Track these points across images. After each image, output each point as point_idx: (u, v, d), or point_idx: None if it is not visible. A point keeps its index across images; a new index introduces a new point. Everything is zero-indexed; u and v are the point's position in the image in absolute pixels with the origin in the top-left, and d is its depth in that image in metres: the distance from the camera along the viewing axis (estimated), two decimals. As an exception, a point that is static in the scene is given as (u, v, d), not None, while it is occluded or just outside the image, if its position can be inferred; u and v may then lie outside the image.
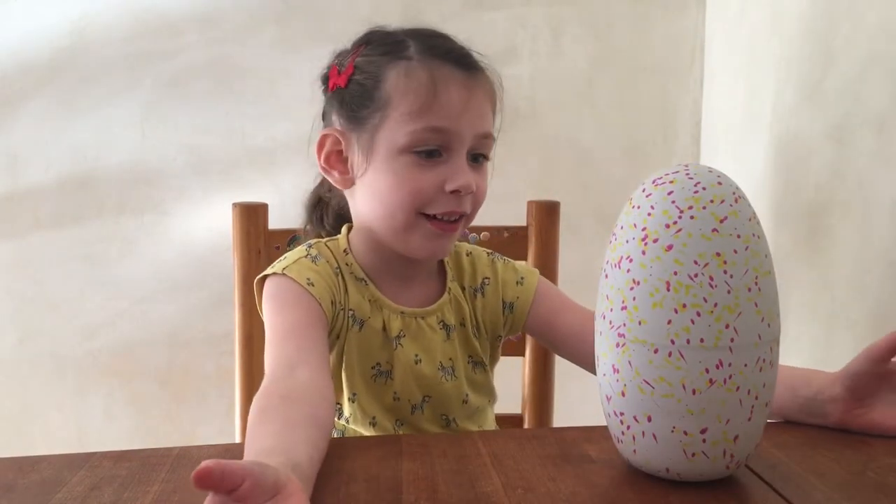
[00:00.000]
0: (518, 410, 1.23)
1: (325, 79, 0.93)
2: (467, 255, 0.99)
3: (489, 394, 0.99)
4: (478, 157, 0.88)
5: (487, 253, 1.00)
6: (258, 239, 1.10)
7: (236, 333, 1.10)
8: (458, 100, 0.84)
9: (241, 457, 0.72)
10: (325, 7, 1.69)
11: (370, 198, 0.88)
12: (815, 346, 1.31)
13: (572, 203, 1.62)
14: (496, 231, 1.21)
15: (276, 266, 0.87)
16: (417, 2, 1.68)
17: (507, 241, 1.21)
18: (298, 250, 0.90)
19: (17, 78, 1.67)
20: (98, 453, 0.72)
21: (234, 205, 1.11)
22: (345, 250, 0.92)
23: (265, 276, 0.87)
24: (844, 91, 1.24)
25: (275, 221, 1.12)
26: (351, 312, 0.89)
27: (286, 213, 1.11)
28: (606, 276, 0.67)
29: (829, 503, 0.64)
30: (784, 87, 1.41)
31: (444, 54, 0.86)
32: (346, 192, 0.92)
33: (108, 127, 1.69)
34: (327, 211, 0.99)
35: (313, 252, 0.90)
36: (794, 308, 1.35)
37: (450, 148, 0.85)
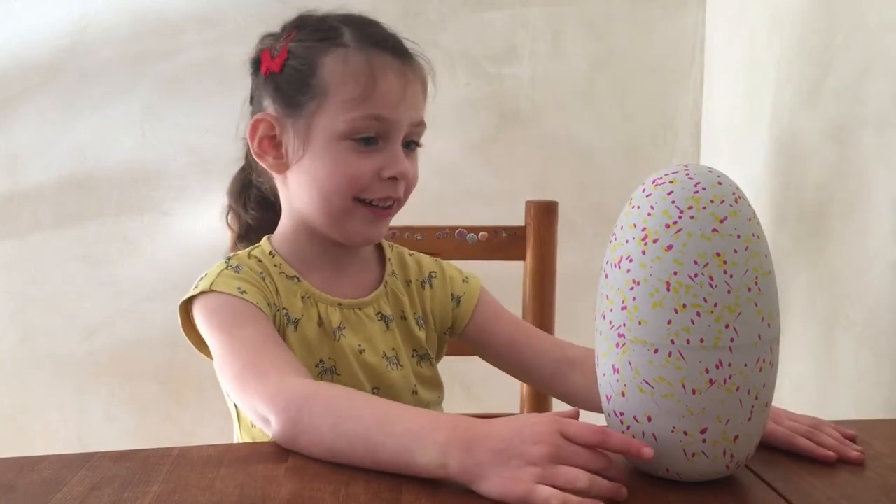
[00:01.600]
0: (517, 410, 1.23)
1: (257, 62, 0.94)
2: (410, 255, 1.01)
3: (438, 389, 0.99)
4: (410, 144, 0.90)
5: (432, 258, 1.03)
6: (258, 239, 1.10)
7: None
8: (396, 88, 0.86)
9: (240, 456, 0.72)
10: (324, 7, 1.68)
11: (306, 184, 0.88)
12: (815, 346, 1.31)
13: (572, 203, 1.62)
14: (494, 231, 1.21)
15: (201, 285, 0.86)
16: (417, 2, 1.68)
17: (506, 242, 1.21)
18: (217, 266, 0.89)
19: (17, 78, 1.67)
20: (98, 453, 0.72)
21: (234, 205, 1.10)
22: (270, 253, 0.92)
23: (190, 299, 0.86)
24: (844, 91, 1.24)
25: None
26: (285, 312, 0.89)
27: (286, 213, 1.11)
28: (606, 276, 0.67)
29: (828, 503, 0.64)
30: (784, 87, 1.41)
31: (381, 42, 0.88)
32: (278, 180, 0.92)
33: (108, 127, 1.69)
34: (250, 196, 1.00)
35: (233, 263, 0.89)
36: (794, 308, 1.35)
37: (387, 136, 0.87)
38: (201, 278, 0.88)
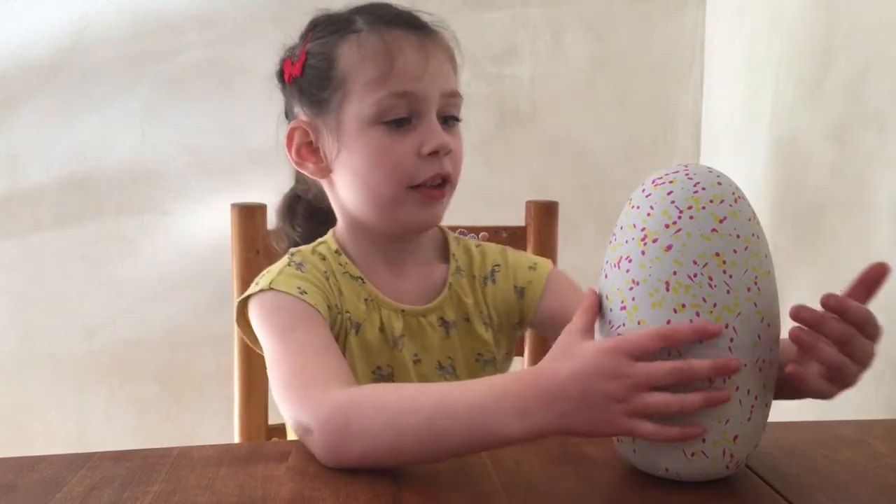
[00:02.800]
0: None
1: (281, 73, 0.92)
2: (476, 246, 0.97)
3: None
4: (448, 119, 0.87)
5: (498, 246, 0.99)
6: (257, 240, 1.10)
7: (236, 333, 1.10)
8: (416, 61, 0.83)
9: (240, 456, 0.72)
10: (324, 6, 1.68)
11: (350, 181, 0.86)
12: (815, 346, 1.31)
13: (572, 203, 1.62)
14: (495, 231, 1.21)
15: (261, 282, 0.83)
16: (417, 2, 1.67)
17: (506, 242, 1.20)
18: (280, 262, 0.87)
19: (17, 78, 1.67)
20: (98, 453, 0.72)
21: (233, 206, 1.11)
22: (336, 251, 0.89)
23: (249, 296, 0.83)
24: (844, 91, 1.24)
25: (274, 222, 1.12)
26: (348, 315, 0.86)
27: (286, 213, 1.11)
28: (606, 276, 0.67)
29: (829, 503, 0.64)
30: (784, 87, 1.41)
31: (393, 19, 0.85)
32: (325, 185, 0.90)
33: (108, 127, 1.69)
34: (297, 211, 0.98)
35: (297, 259, 0.86)
36: (794, 308, 1.35)
37: (418, 112, 0.84)
38: (263, 275, 0.85)
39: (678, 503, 0.63)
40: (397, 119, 0.83)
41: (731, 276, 0.62)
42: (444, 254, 0.94)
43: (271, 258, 1.10)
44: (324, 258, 0.88)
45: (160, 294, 1.73)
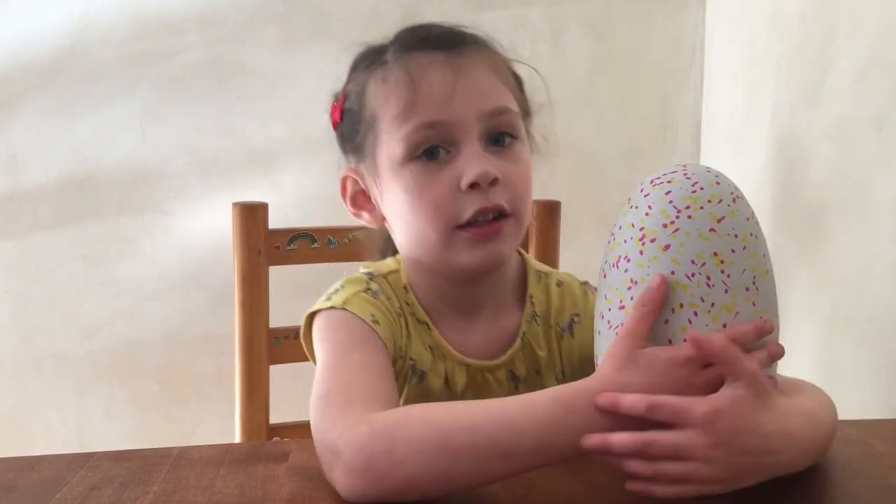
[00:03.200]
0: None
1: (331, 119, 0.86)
2: (558, 285, 0.85)
3: None
4: (501, 138, 0.76)
5: (581, 283, 0.87)
6: (258, 239, 1.10)
7: (236, 333, 1.10)
8: (442, 84, 0.74)
9: (240, 456, 0.72)
10: (324, 6, 1.69)
11: (398, 225, 0.79)
12: (815, 346, 1.31)
13: (572, 203, 1.62)
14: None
15: (334, 298, 0.76)
16: (417, 2, 1.68)
17: (507, 241, 1.21)
18: (356, 282, 0.80)
19: (17, 78, 1.67)
20: (98, 453, 0.72)
21: (234, 204, 1.11)
22: (405, 287, 0.81)
23: (316, 311, 0.78)
24: (844, 91, 1.24)
25: (275, 221, 1.12)
26: (412, 362, 0.79)
27: (286, 212, 1.11)
28: (605, 275, 0.67)
29: (829, 503, 0.64)
30: (784, 87, 1.41)
31: (421, 42, 0.78)
32: (389, 229, 0.83)
33: (108, 127, 1.69)
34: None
35: (374, 286, 0.79)
36: (794, 308, 1.35)
37: (453, 140, 0.75)
38: (336, 290, 0.79)
39: (677, 503, 0.63)
40: (430, 152, 0.74)
41: (728, 276, 0.62)
42: (523, 294, 0.84)
43: (272, 257, 1.10)
44: (394, 293, 0.81)
45: (160, 294, 1.73)
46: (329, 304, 0.76)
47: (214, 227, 1.70)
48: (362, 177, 0.82)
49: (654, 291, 0.61)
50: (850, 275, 1.22)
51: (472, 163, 0.73)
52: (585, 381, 0.62)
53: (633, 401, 0.58)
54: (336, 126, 0.84)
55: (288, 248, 1.11)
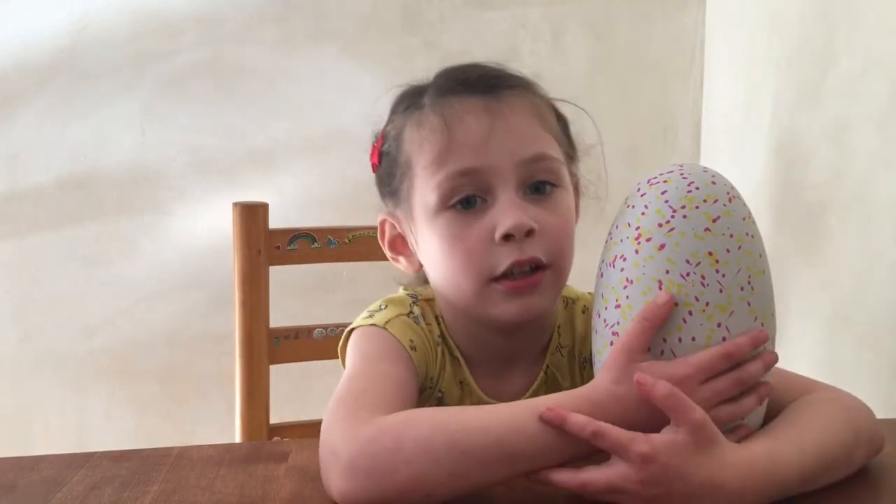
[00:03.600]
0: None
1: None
2: (583, 311, 0.83)
3: None
4: (541, 187, 0.74)
5: None
6: (258, 239, 1.10)
7: (236, 333, 1.10)
8: (477, 131, 0.72)
9: (240, 456, 0.72)
10: (324, 6, 1.68)
11: (433, 274, 0.78)
12: (815, 346, 1.31)
13: (572, 203, 1.61)
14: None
15: (377, 317, 0.77)
16: (417, 2, 1.68)
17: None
18: (400, 303, 0.79)
19: (17, 78, 1.67)
20: (98, 453, 0.72)
21: (235, 204, 1.11)
22: (437, 318, 0.80)
23: (356, 327, 0.77)
24: (844, 91, 1.24)
25: (275, 221, 1.12)
26: (440, 395, 0.78)
27: (286, 212, 1.11)
28: (602, 275, 0.68)
29: (828, 502, 0.64)
30: (784, 87, 1.41)
31: (458, 85, 0.75)
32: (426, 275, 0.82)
33: (108, 127, 1.69)
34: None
35: (416, 311, 0.78)
36: (794, 308, 1.35)
37: (489, 188, 0.72)
38: (380, 309, 0.78)
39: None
40: (466, 201, 0.72)
41: (723, 276, 0.62)
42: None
43: (272, 257, 1.10)
44: (429, 325, 0.79)
45: (160, 294, 1.73)
46: (371, 321, 0.76)
47: (214, 227, 1.70)
48: (399, 222, 0.80)
49: (658, 308, 0.62)
50: (850, 275, 1.22)
51: (507, 213, 0.71)
52: (586, 389, 0.63)
53: (580, 424, 0.59)
54: (374, 169, 0.82)
55: (288, 248, 1.11)
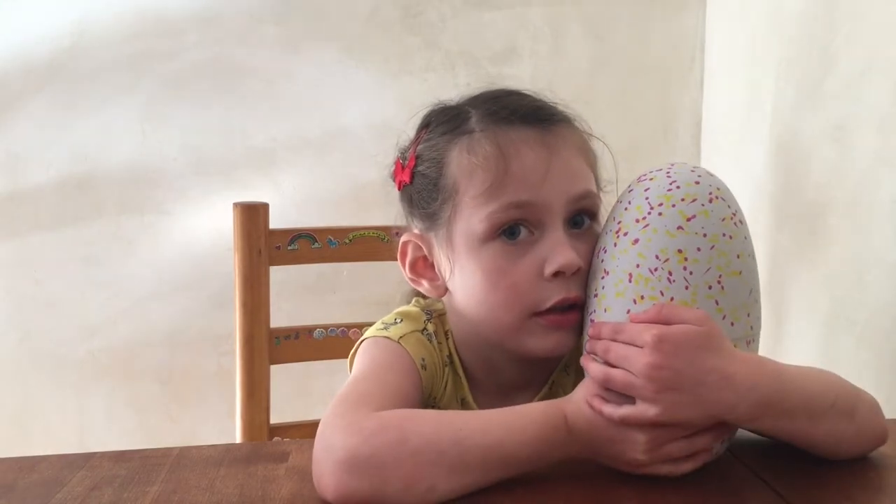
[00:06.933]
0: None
1: (393, 177, 0.82)
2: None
3: None
4: (580, 221, 0.74)
5: None
6: (259, 239, 1.10)
7: (236, 333, 1.10)
8: (535, 164, 0.72)
9: (240, 456, 0.72)
10: (325, 6, 1.68)
11: (467, 303, 0.76)
12: (815, 346, 1.31)
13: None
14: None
15: (392, 329, 0.77)
16: (418, 2, 1.68)
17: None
18: (415, 319, 0.79)
19: (17, 78, 1.67)
20: (98, 453, 0.72)
21: (235, 204, 1.11)
22: (446, 332, 0.80)
23: (368, 337, 0.78)
24: (844, 91, 1.24)
25: (275, 221, 1.12)
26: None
27: (286, 212, 1.11)
28: (590, 266, 0.72)
29: (828, 502, 0.64)
30: (784, 87, 1.41)
31: (511, 115, 0.74)
32: (448, 300, 0.81)
33: (108, 127, 1.69)
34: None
35: (430, 329, 0.79)
36: (794, 308, 1.35)
37: (540, 223, 0.72)
38: (395, 322, 0.78)
39: (678, 502, 0.63)
40: (511, 231, 0.72)
41: (691, 273, 0.64)
42: None
43: (272, 257, 1.10)
44: (439, 343, 0.79)
45: (160, 294, 1.73)
46: (385, 333, 0.77)
47: (215, 227, 1.70)
48: (430, 245, 0.78)
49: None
50: (850, 275, 1.22)
51: (558, 250, 0.71)
52: (555, 403, 0.68)
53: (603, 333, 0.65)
54: (401, 187, 0.80)
55: (288, 248, 1.11)
